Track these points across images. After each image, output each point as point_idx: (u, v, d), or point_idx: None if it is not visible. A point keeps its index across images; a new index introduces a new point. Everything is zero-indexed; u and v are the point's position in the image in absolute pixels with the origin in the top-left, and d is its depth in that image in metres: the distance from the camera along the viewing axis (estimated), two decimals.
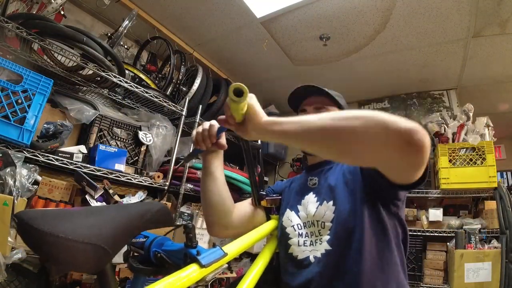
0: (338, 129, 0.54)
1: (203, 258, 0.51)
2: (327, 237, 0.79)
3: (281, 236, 0.91)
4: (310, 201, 0.89)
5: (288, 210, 0.93)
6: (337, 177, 0.88)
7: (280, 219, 0.95)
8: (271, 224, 0.93)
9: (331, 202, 0.83)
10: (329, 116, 0.57)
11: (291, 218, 0.90)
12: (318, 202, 0.86)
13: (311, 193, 0.91)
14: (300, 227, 0.87)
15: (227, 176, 2.20)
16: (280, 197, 1.00)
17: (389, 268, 0.74)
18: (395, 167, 0.60)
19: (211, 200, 0.89)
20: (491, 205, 1.99)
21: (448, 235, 2.00)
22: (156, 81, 2.12)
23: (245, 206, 0.98)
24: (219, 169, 0.92)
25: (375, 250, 0.75)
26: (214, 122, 0.81)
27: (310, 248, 0.82)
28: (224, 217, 0.90)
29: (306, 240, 0.84)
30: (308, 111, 0.96)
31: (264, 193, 0.98)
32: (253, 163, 0.87)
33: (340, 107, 0.96)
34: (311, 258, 0.80)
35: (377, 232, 0.76)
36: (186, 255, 0.55)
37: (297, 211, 0.90)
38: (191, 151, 0.94)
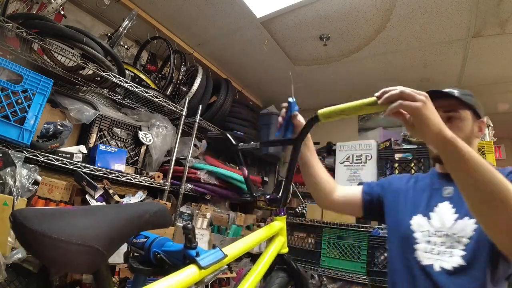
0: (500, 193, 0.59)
1: (202, 260, 0.51)
2: (462, 253, 0.79)
3: (403, 239, 0.92)
4: (446, 211, 0.88)
5: (420, 215, 0.92)
6: None
7: (404, 219, 0.94)
8: (274, 226, 0.92)
9: (473, 220, 0.81)
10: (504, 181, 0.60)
11: (422, 224, 0.90)
12: (457, 215, 0.85)
13: (447, 202, 0.89)
14: (430, 235, 0.87)
15: (226, 176, 2.22)
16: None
17: None
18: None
19: (311, 184, 1.06)
20: None
21: None
22: (156, 81, 2.12)
23: (352, 190, 1.09)
24: (313, 157, 1.04)
25: (494, 279, 0.76)
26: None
27: (437, 257, 0.83)
28: (324, 197, 1.06)
29: (434, 248, 0.84)
30: None
31: (257, 194, 0.99)
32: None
33: (472, 109, 0.94)
34: (436, 267, 0.81)
35: (497, 263, 0.76)
36: (185, 256, 0.55)
37: (429, 218, 0.89)
38: (277, 135, 0.98)
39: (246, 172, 0.98)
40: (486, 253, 0.76)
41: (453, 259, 0.80)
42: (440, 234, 0.85)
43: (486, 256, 0.76)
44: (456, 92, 0.93)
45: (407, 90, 0.64)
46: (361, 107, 0.72)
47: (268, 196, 0.93)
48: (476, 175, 0.61)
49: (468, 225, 0.81)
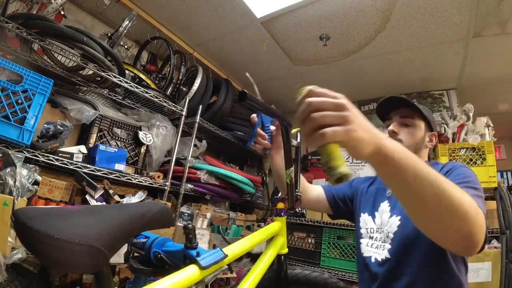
0: (441, 195, 0.50)
1: (203, 260, 0.51)
2: (389, 246, 0.92)
3: (356, 234, 1.09)
4: (384, 210, 1.01)
5: (366, 214, 1.06)
6: None
7: (357, 218, 1.09)
8: (274, 226, 0.92)
9: (398, 217, 0.93)
10: (444, 180, 0.52)
11: (367, 222, 1.05)
12: (390, 213, 0.98)
13: (386, 201, 1.02)
14: (372, 231, 1.01)
15: (227, 176, 2.22)
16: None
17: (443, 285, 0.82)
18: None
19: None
20: (491, 205, 1.99)
21: None
22: (156, 81, 2.12)
23: (316, 189, 1.19)
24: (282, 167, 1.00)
25: (431, 269, 0.82)
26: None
27: (374, 250, 0.97)
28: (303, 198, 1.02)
29: (374, 243, 0.98)
30: (393, 120, 1.04)
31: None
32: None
33: (426, 120, 1.03)
34: (373, 259, 0.95)
35: (435, 253, 0.81)
36: (185, 256, 0.55)
37: (373, 217, 1.03)
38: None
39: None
40: (406, 249, 0.86)
41: (384, 251, 0.93)
42: (380, 231, 0.99)
43: (408, 252, 0.86)
44: (414, 102, 1.03)
45: (326, 114, 0.48)
46: None
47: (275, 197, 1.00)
48: (415, 188, 0.51)
49: (394, 223, 0.94)
